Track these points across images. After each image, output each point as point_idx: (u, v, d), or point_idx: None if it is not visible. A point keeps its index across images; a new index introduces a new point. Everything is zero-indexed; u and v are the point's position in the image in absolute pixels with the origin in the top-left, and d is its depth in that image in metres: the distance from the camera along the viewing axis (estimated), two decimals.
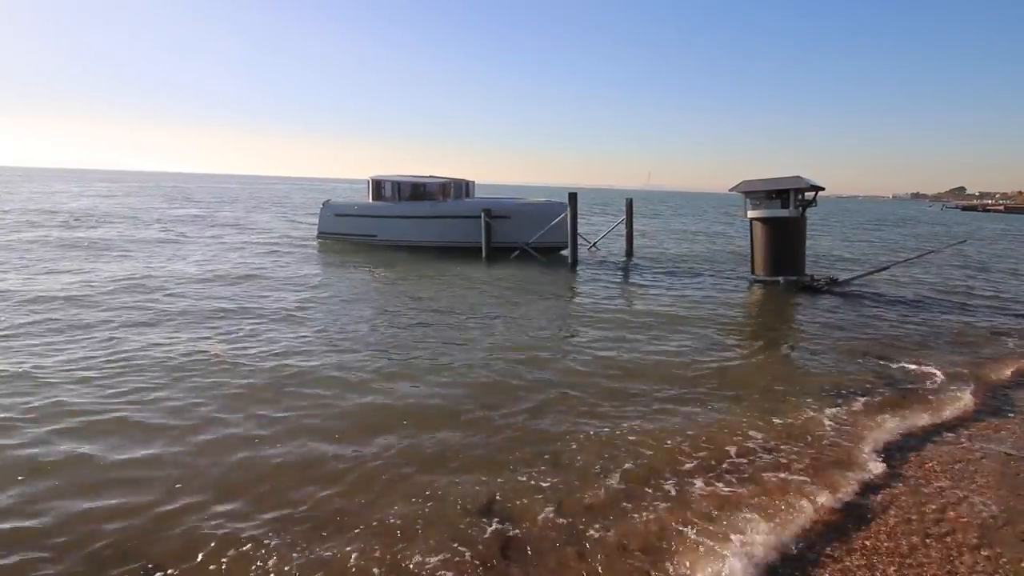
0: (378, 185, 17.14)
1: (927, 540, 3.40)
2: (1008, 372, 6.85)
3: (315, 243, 17.58)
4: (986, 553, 3.28)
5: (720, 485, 3.95)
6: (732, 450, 4.50)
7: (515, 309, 9.41)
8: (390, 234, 16.70)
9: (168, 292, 9.58)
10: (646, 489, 3.87)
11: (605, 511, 3.60)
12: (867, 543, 3.36)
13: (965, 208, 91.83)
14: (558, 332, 8.07)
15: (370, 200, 17.44)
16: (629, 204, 16.73)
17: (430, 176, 17.24)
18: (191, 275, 11.20)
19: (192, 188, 61.76)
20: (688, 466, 4.21)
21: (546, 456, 4.30)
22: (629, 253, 16.55)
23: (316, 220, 19.01)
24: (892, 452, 4.62)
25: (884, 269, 13.60)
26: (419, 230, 16.27)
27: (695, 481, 3.99)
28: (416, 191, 16.54)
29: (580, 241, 15.20)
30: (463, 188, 17.07)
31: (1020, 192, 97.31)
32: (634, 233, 17.18)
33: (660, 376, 6.20)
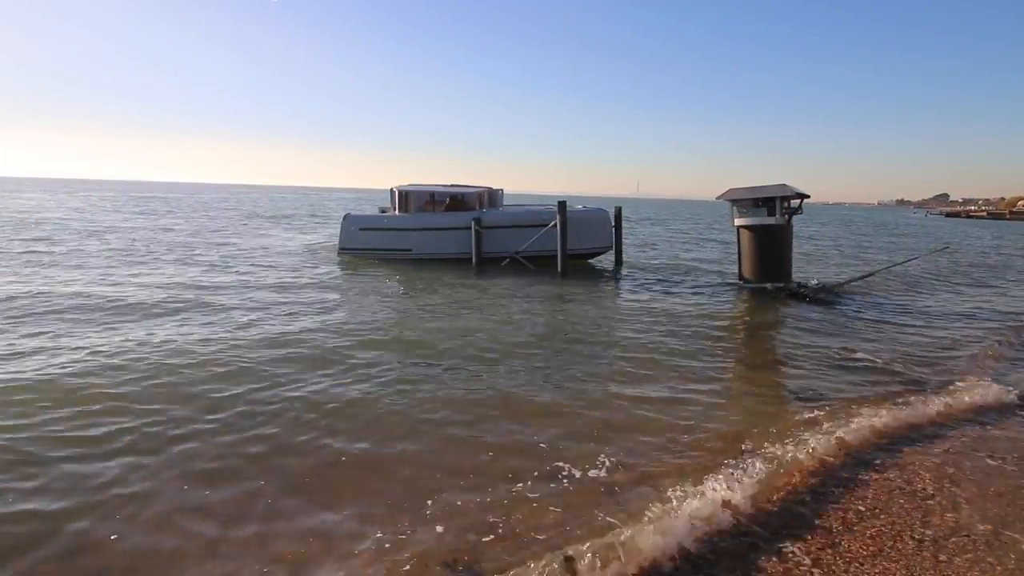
0: (405, 196, 15.73)
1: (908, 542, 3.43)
2: (980, 375, 6.93)
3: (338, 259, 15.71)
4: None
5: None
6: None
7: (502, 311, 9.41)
8: (428, 248, 15.43)
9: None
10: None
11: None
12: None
13: (949, 214, 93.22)
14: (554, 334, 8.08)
15: (395, 212, 16.11)
16: (618, 212, 16.63)
17: (451, 185, 16.13)
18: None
19: (204, 198, 61.27)
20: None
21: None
22: (619, 262, 16.43)
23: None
24: (876, 453, 4.67)
25: (870, 275, 13.75)
26: (463, 242, 15.00)
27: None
28: (454, 201, 15.54)
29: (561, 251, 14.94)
30: (496, 197, 16.24)
31: (1002, 198, 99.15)
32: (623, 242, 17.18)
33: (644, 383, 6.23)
